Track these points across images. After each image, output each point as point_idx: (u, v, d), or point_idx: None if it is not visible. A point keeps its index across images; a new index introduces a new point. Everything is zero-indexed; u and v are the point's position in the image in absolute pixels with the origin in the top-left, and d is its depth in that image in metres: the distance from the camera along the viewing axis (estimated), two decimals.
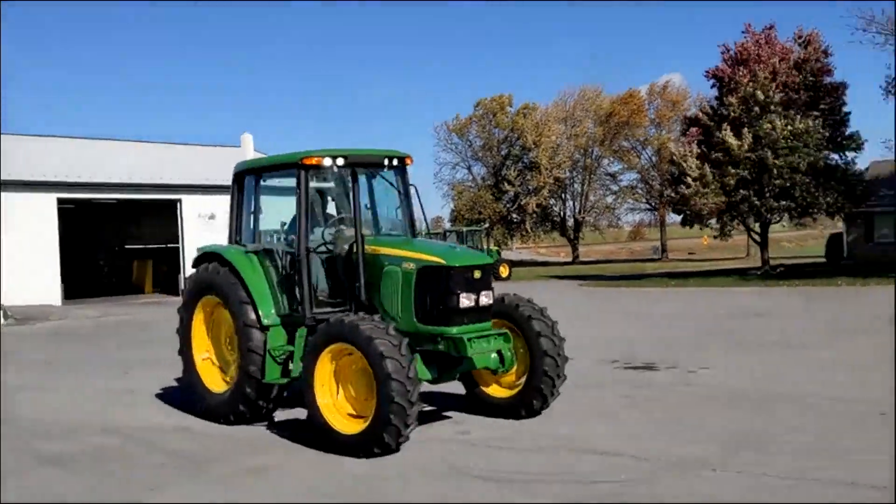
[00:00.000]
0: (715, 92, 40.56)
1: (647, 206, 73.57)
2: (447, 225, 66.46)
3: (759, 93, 36.83)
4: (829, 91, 38.61)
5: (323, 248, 9.11)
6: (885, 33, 33.51)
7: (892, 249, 43.31)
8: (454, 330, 8.32)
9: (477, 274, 8.51)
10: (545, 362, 8.93)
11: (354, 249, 8.77)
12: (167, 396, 11.30)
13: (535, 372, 9.00)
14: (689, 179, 37.53)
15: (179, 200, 36.50)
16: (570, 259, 71.56)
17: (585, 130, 68.43)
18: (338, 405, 8.18)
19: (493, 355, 8.42)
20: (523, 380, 9.20)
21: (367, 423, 7.79)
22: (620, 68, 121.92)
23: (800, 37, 40.00)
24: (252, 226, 9.76)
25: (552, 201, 69.23)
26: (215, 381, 9.84)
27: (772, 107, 36.66)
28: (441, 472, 7.34)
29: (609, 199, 72.48)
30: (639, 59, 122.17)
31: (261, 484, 7.25)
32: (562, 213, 71.16)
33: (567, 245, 75.14)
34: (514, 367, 8.99)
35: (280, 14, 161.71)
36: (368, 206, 9.82)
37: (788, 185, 36.46)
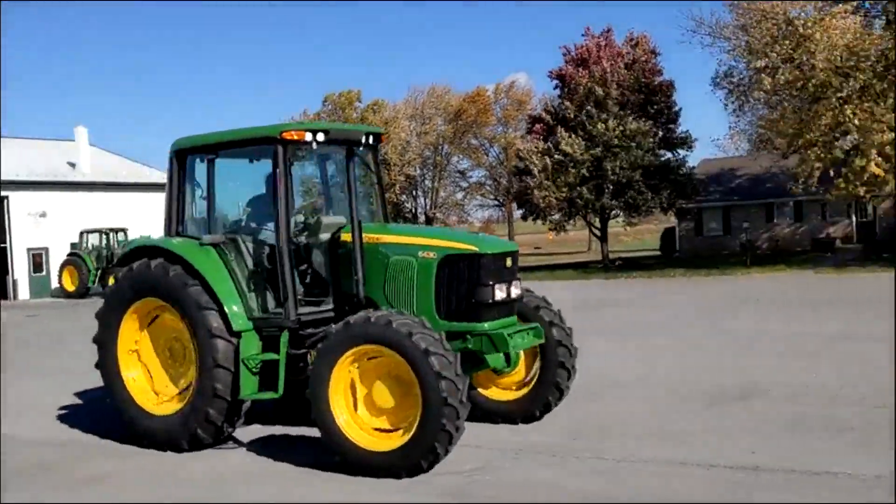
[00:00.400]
0: (559, 92, 42.17)
1: (495, 203, 75.38)
2: None
3: (597, 87, 38.61)
4: (659, 91, 40.92)
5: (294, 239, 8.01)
6: (714, 35, 35.68)
7: (719, 242, 46.43)
8: (486, 325, 7.43)
9: (508, 262, 7.69)
10: (559, 373, 8.28)
11: (341, 238, 7.88)
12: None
13: (545, 380, 8.31)
14: (533, 175, 38.90)
15: (6, 198, 34.21)
16: None
17: (435, 128, 69.18)
18: (358, 419, 7.09)
19: (501, 354, 7.50)
20: (528, 386, 8.49)
21: (407, 435, 6.76)
22: (470, 67, 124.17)
23: (631, 39, 42.15)
24: (205, 214, 8.33)
25: (403, 197, 69.60)
26: (154, 401, 8.30)
27: (609, 104, 38.46)
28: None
29: (459, 196, 73.68)
30: (487, 58, 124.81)
31: (95, 494, 6.87)
32: (413, 210, 71.67)
33: None
34: (516, 370, 8.18)
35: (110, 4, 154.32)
36: (343, 189, 8.56)
37: (624, 182, 38.37)
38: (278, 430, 8.77)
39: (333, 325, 7.27)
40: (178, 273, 7.88)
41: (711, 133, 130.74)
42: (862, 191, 30.29)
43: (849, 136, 29.52)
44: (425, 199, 72.12)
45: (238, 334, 7.75)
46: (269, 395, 7.72)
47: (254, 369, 7.78)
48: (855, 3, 31.21)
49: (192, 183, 8.56)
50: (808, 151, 30.78)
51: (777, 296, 22.02)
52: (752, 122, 37.35)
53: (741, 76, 34.98)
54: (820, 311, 17.80)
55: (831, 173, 30.88)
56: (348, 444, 6.94)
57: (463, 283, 7.47)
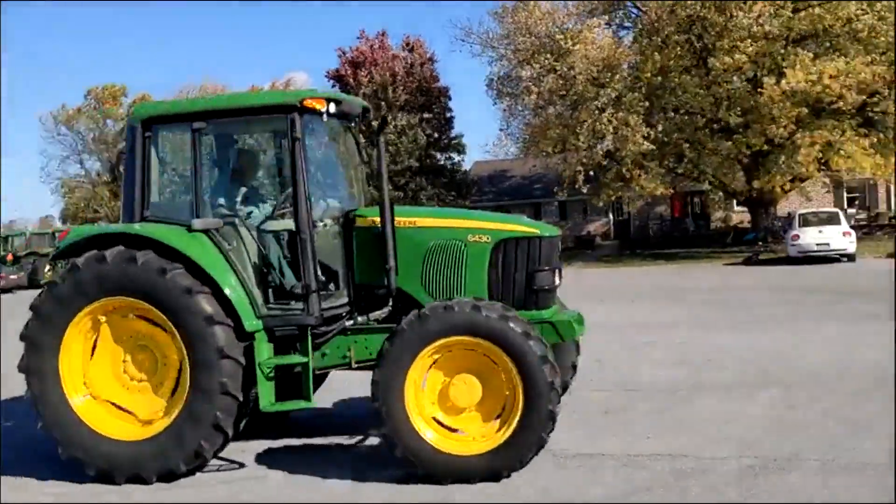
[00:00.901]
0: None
1: None
2: (58, 224, 60.81)
3: (389, 90, 39.42)
4: (437, 95, 42.43)
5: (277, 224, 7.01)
6: (483, 45, 37.34)
7: None
8: (546, 313, 6.85)
9: (559, 246, 7.29)
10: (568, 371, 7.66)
11: (357, 223, 7.04)
12: None
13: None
14: None
15: None
16: None
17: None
18: (439, 425, 6.33)
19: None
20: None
21: (507, 429, 6.14)
22: (244, 65, 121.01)
23: (407, 43, 43.29)
24: (192, 195, 6.88)
25: None
26: (112, 424, 6.77)
27: (397, 105, 39.44)
28: None
29: None
30: (262, 56, 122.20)
31: None
32: None
33: None
34: None
35: None
36: (339, 168, 7.74)
37: (402, 180, 39.54)
38: (266, 443, 7.71)
39: (404, 319, 6.30)
40: (178, 275, 6.48)
41: (491, 136, 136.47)
42: (618, 193, 33.13)
43: (606, 142, 32.02)
44: None
45: (251, 336, 6.62)
46: (301, 404, 6.68)
47: (269, 375, 6.69)
48: (606, 17, 33.97)
49: (167, 158, 7.36)
50: (571, 156, 33.13)
51: None
52: (520, 127, 39.50)
53: (510, 84, 36.96)
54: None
55: (591, 174, 33.49)
56: (440, 456, 6.17)
57: (520, 268, 6.88)
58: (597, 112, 30.96)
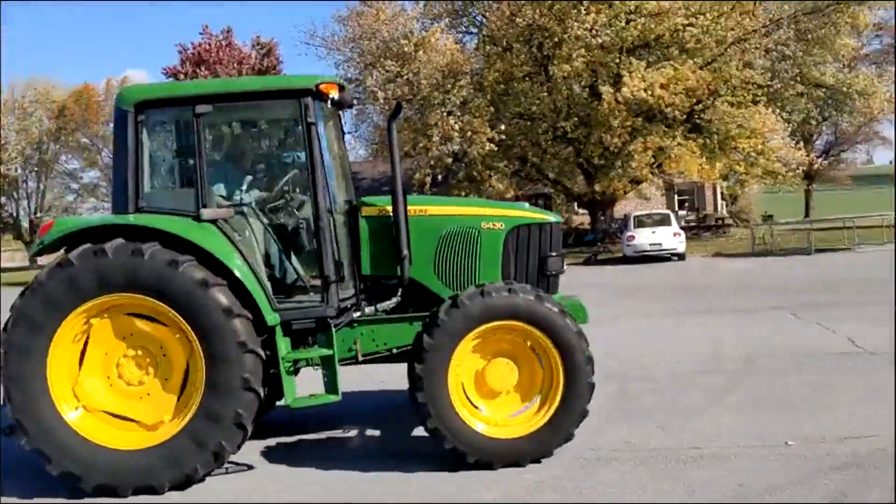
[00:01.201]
0: None
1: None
2: None
3: None
4: None
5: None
6: (328, 48, 37.00)
7: None
8: (556, 297, 6.79)
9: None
10: None
11: (364, 212, 6.94)
12: None
13: None
14: None
15: None
16: (27, 263, 65.25)
17: (38, 124, 62.99)
18: (481, 412, 6.41)
19: None
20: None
21: (549, 411, 6.31)
22: (77, 61, 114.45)
23: (258, 43, 42.34)
24: (197, 183, 6.45)
25: (3, 199, 62.39)
26: (112, 433, 6.21)
27: None
28: None
29: (70, 198, 67.95)
30: (97, 53, 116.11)
31: None
32: (15, 214, 64.54)
33: (24, 248, 68.42)
34: None
35: None
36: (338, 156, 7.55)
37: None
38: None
39: (441, 309, 6.26)
40: (191, 267, 6.05)
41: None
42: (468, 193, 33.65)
43: (454, 145, 32.52)
44: (29, 202, 65.42)
45: (272, 330, 6.32)
46: (330, 398, 6.42)
47: (290, 370, 6.45)
48: (447, 21, 34.49)
49: (166, 143, 6.95)
50: (421, 158, 33.39)
51: None
52: (370, 130, 39.46)
53: (358, 88, 36.88)
54: None
55: (440, 177, 33.90)
56: (490, 443, 6.26)
57: (533, 254, 7.07)
58: (445, 115, 31.39)
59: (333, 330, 6.51)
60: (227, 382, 6.06)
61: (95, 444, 6.13)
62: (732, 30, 31.13)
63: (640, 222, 30.36)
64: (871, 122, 42.24)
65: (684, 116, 31.82)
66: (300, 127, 6.59)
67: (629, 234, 29.77)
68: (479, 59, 34.13)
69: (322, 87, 6.53)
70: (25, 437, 6.09)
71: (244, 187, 6.98)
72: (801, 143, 39.01)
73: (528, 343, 6.38)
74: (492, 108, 32.02)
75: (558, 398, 6.30)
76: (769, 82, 32.20)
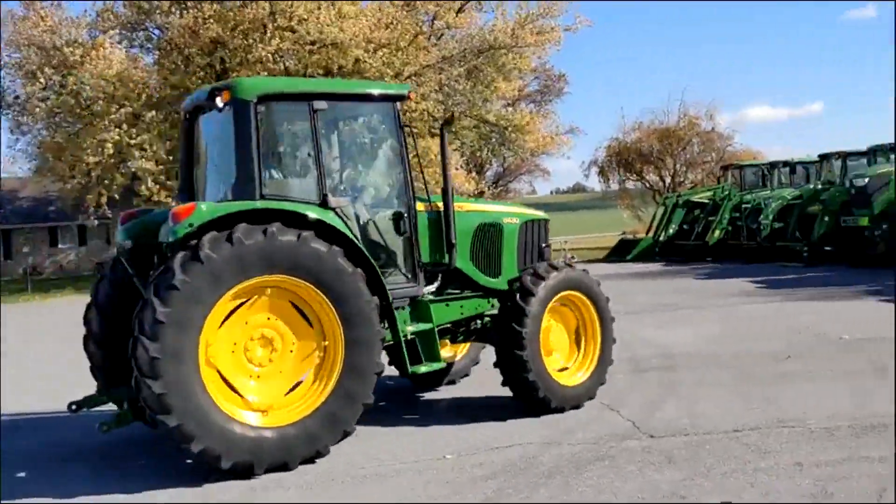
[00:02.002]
0: None
1: None
2: None
3: None
4: None
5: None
6: None
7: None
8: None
9: None
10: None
11: (427, 209, 7.84)
12: None
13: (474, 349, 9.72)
14: None
15: None
16: None
17: None
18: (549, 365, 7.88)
19: None
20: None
21: (589, 369, 8.11)
22: None
23: None
24: (317, 173, 7.08)
25: None
26: (248, 412, 6.52)
27: None
28: None
29: None
30: None
31: None
32: None
33: None
34: None
35: None
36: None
37: None
38: None
39: (525, 281, 7.72)
40: (341, 253, 6.67)
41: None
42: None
43: (131, 162, 30.58)
44: None
45: (388, 308, 7.17)
46: (439, 364, 7.70)
47: (407, 342, 7.43)
48: (116, 31, 32.58)
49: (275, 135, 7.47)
50: (92, 177, 30.87)
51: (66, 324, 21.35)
52: (31, 143, 35.78)
53: (16, 95, 33.51)
54: None
55: (115, 197, 31.66)
56: (564, 390, 7.83)
57: (535, 244, 8.74)
58: (114, 130, 29.40)
59: (430, 306, 7.68)
60: (365, 365, 6.75)
61: (238, 422, 6.38)
62: (409, 64, 32.80)
63: None
64: (532, 156, 46.45)
65: None
66: (388, 127, 7.68)
67: None
68: (154, 71, 32.60)
69: (411, 94, 7.71)
70: (172, 413, 6.11)
71: (345, 179, 7.78)
72: (475, 173, 42.12)
73: (567, 308, 8.09)
74: (167, 124, 30.67)
75: (598, 350, 8.14)
76: (443, 115, 34.32)
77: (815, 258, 23.31)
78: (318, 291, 6.58)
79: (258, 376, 6.63)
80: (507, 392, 7.99)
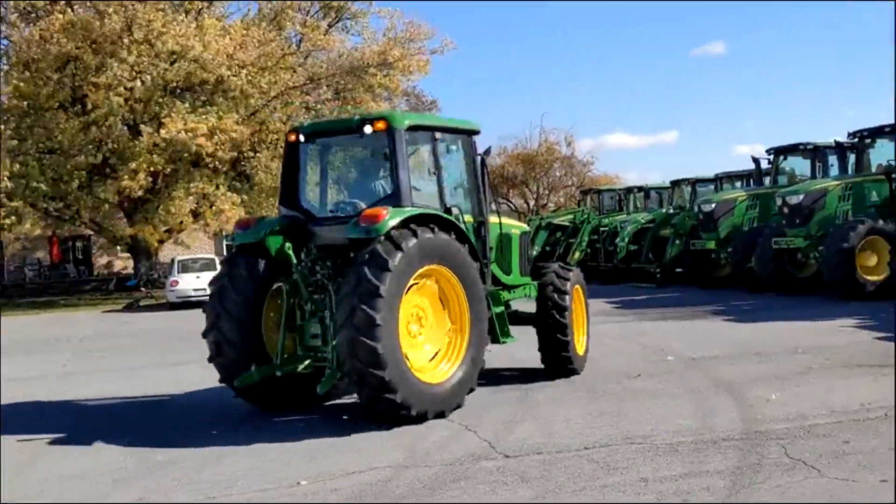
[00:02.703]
0: None
1: None
2: None
3: None
4: None
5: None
6: None
7: None
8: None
9: None
10: None
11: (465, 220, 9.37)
12: None
13: None
14: None
15: None
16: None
17: None
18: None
19: None
20: None
21: (585, 339, 10.97)
22: None
23: None
24: (438, 189, 9.26)
25: None
26: (424, 371, 8.58)
27: None
28: None
29: None
30: None
31: None
32: None
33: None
34: None
35: None
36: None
37: None
38: None
39: (562, 276, 10.41)
40: (466, 250, 8.89)
41: None
42: None
43: None
44: None
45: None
46: (511, 339, 9.84)
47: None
48: None
49: (410, 159, 9.07)
50: None
51: None
52: None
53: None
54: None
55: None
56: (579, 358, 10.62)
57: (526, 250, 10.72)
58: None
59: (504, 294, 10.17)
60: (483, 337, 8.99)
61: (420, 380, 8.25)
62: (275, 83, 32.28)
63: (185, 267, 29.73)
64: None
65: (230, 165, 31.92)
66: (465, 157, 9.77)
67: (173, 279, 28.96)
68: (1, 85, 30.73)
69: (479, 128, 9.93)
70: (382, 370, 7.75)
71: (452, 193, 9.54)
72: None
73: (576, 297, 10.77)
74: (14, 141, 28.94)
75: (587, 327, 11.12)
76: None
77: (667, 279, 24.47)
78: (456, 278, 8.64)
79: (412, 346, 8.46)
80: (363, 415, 7.83)
